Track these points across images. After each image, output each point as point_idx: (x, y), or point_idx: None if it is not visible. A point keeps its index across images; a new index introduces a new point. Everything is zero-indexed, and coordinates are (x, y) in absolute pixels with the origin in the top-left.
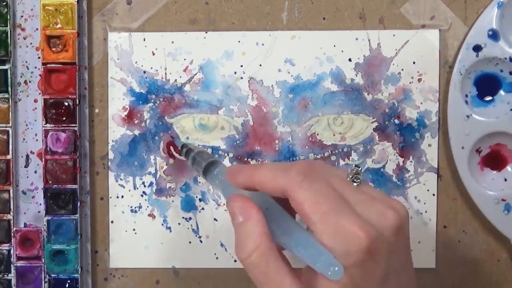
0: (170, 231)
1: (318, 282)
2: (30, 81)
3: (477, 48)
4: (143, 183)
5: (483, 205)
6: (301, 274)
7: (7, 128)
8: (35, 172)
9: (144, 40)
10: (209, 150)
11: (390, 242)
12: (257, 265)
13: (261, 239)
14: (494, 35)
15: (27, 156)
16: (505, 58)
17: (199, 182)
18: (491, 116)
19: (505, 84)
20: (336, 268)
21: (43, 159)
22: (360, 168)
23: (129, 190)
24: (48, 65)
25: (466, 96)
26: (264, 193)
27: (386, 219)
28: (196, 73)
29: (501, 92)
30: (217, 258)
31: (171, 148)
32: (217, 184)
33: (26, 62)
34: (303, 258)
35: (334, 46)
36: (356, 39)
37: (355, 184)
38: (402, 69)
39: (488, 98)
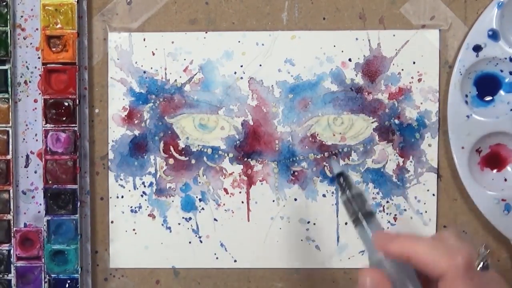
0: (170, 231)
1: None
2: (30, 81)
3: (477, 48)
4: (143, 183)
5: (483, 205)
6: None
7: (7, 128)
8: (35, 172)
9: (144, 40)
10: (209, 150)
11: None
12: None
13: None
14: (494, 35)
15: (27, 156)
16: (505, 58)
17: (199, 182)
18: (491, 116)
19: (505, 84)
20: None
21: (43, 159)
22: (488, 251)
23: (129, 190)
24: (48, 65)
25: (466, 96)
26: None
27: None
28: (196, 73)
29: (501, 92)
30: (217, 258)
31: (171, 148)
32: (362, 239)
33: (26, 62)
34: None
35: (334, 46)
36: (356, 39)
37: (480, 268)
38: (402, 69)
39: (488, 98)
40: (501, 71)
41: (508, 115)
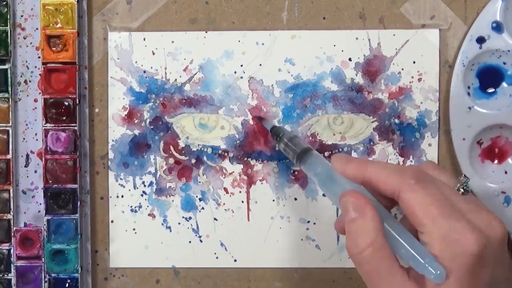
0: (170, 231)
1: (426, 281)
2: (30, 81)
3: (480, 40)
4: (143, 182)
5: (483, 197)
6: (408, 271)
7: (7, 128)
8: (35, 171)
9: (144, 39)
10: (209, 150)
11: (496, 252)
12: (370, 261)
13: (375, 235)
14: (497, 27)
15: (27, 155)
16: (508, 51)
17: (199, 182)
18: (493, 108)
19: (508, 76)
20: (439, 271)
21: (43, 159)
22: (468, 179)
23: (129, 190)
24: (48, 65)
25: (469, 87)
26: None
27: (493, 230)
28: (196, 73)
29: (504, 84)
30: (217, 257)
31: (171, 147)
32: (313, 173)
33: (26, 61)
34: (406, 259)
35: (334, 45)
36: (356, 38)
37: (462, 193)
38: (402, 69)
39: (491, 90)
40: (504, 63)
41: (510, 107)
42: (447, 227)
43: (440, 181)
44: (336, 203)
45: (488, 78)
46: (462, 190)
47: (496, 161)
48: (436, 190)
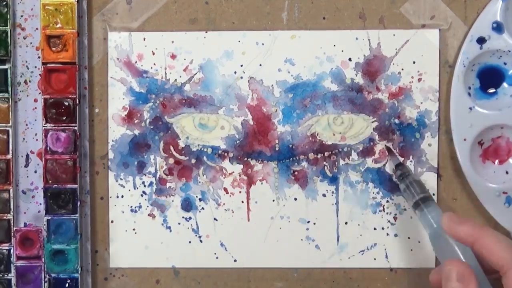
0: (170, 231)
1: None
2: (30, 81)
3: (481, 40)
4: (143, 183)
5: (484, 197)
6: None
7: (7, 128)
8: (35, 171)
9: (144, 39)
10: (209, 150)
11: None
12: None
13: None
14: (498, 28)
15: (27, 155)
16: (509, 51)
17: (199, 182)
18: (494, 109)
19: (509, 76)
20: None
21: (43, 159)
22: None
23: (129, 190)
24: (48, 65)
25: (469, 88)
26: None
27: None
28: (196, 73)
29: (505, 84)
30: (217, 258)
31: (171, 147)
32: (425, 225)
33: (26, 61)
34: None
35: (334, 46)
36: (356, 38)
37: None
38: (402, 69)
39: (491, 90)
40: (505, 63)
41: (511, 107)
42: None
43: None
44: (440, 260)
45: (489, 78)
46: None
47: (497, 162)
48: None
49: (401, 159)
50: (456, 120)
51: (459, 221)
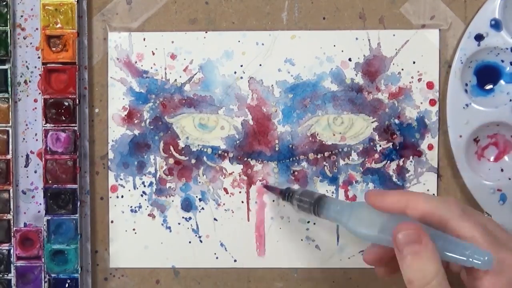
0: (170, 231)
1: None
2: (30, 81)
3: (479, 37)
4: (143, 183)
5: (479, 195)
6: None
7: (7, 128)
8: (35, 172)
9: (144, 40)
10: (209, 150)
11: None
12: None
13: (439, 265)
14: (496, 25)
15: (27, 156)
16: (507, 48)
17: (199, 182)
18: (491, 106)
19: (506, 74)
20: (486, 257)
21: (43, 159)
22: (490, 216)
23: (129, 190)
24: (48, 65)
25: (466, 85)
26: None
27: None
28: (196, 73)
29: (502, 82)
30: (217, 258)
31: (171, 147)
32: (333, 216)
33: (26, 62)
34: (453, 259)
35: (334, 46)
36: (356, 39)
37: None
38: (402, 69)
39: (489, 87)
40: (502, 61)
41: (507, 105)
42: (496, 256)
43: (479, 212)
44: (371, 237)
45: (486, 75)
46: None
47: (492, 159)
48: (480, 220)
49: (279, 188)
50: (453, 116)
51: (382, 193)
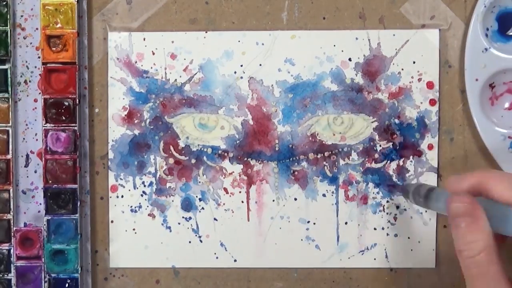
0: (170, 231)
1: None
2: (30, 81)
3: None
4: (143, 183)
5: (489, 140)
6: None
7: (7, 128)
8: (35, 171)
9: (144, 40)
10: (209, 150)
11: None
12: (481, 264)
13: (489, 240)
14: None
15: (27, 155)
16: None
17: (199, 182)
18: (510, 53)
19: None
20: None
21: (43, 159)
22: None
23: (129, 190)
24: (48, 65)
25: (487, 29)
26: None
27: None
28: (196, 73)
29: None
30: (217, 257)
31: (171, 147)
32: (440, 205)
33: (26, 61)
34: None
35: (334, 46)
36: (356, 39)
37: None
38: (402, 69)
39: (511, 33)
40: None
41: None
42: None
43: None
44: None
45: (508, 23)
46: None
47: (506, 106)
48: None
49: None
50: (471, 59)
51: (459, 178)
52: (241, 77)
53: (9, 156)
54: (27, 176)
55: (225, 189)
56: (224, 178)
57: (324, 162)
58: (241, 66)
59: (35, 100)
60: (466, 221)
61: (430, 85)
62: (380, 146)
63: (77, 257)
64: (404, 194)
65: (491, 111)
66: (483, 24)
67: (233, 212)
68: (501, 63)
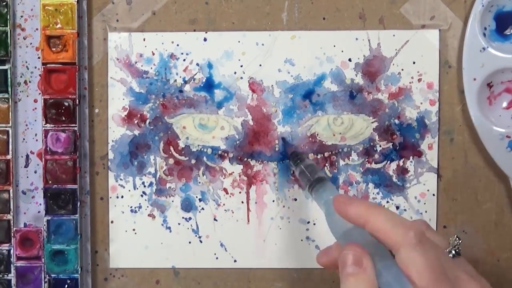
0: (170, 231)
1: None
2: (30, 81)
3: None
4: (143, 183)
5: (487, 139)
6: None
7: (7, 128)
8: (35, 172)
9: (144, 40)
10: (209, 150)
11: None
12: None
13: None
14: None
15: (27, 156)
16: None
17: (199, 182)
18: (507, 52)
19: None
20: None
21: (43, 159)
22: (460, 240)
23: (129, 190)
24: (48, 65)
25: (485, 29)
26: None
27: None
28: (196, 73)
29: None
30: (217, 258)
31: (171, 148)
32: (322, 203)
33: (26, 62)
34: None
35: (334, 46)
36: (356, 39)
37: (452, 256)
38: (402, 69)
39: (508, 32)
40: None
41: None
42: None
43: (437, 245)
44: (336, 238)
45: (506, 22)
46: (453, 252)
47: (504, 105)
48: (434, 255)
49: (295, 148)
50: (469, 58)
51: (349, 202)
52: (241, 78)
53: (9, 157)
54: (27, 177)
55: (225, 190)
56: (224, 178)
57: (324, 163)
58: (241, 66)
59: (35, 101)
60: (353, 269)
61: (430, 85)
62: (380, 146)
63: (77, 257)
64: (293, 160)
65: (489, 110)
66: (480, 23)
67: (233, 212)
68: (499, 62)
